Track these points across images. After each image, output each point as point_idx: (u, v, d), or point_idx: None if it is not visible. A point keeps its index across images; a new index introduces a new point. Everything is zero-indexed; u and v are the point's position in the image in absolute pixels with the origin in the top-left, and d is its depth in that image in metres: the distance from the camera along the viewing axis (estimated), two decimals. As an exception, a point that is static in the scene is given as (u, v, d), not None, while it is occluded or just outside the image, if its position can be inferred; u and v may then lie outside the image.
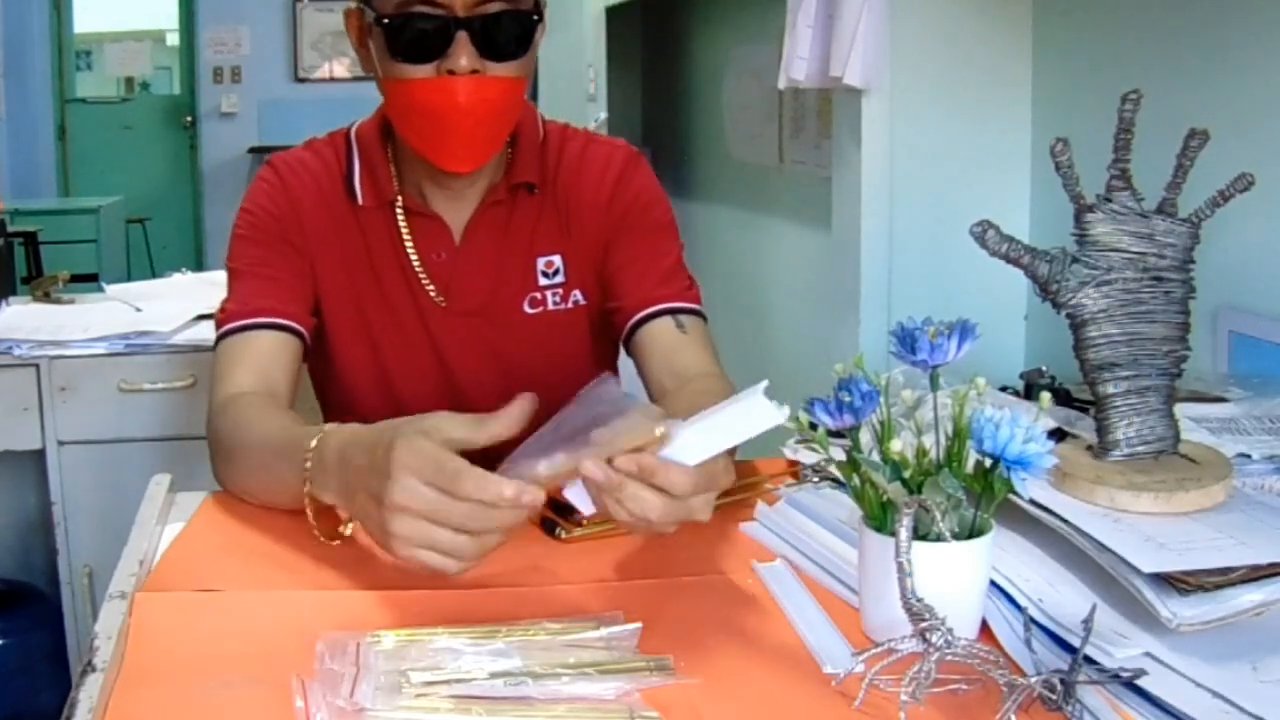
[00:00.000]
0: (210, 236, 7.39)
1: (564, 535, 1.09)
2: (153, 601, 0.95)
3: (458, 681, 0.78)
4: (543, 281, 1.41)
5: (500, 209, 1.39)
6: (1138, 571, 0.81)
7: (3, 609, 2.24)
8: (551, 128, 1.44)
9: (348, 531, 1.07)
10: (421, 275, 1.38)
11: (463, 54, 1.21)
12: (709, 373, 1.33)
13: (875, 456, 0.86)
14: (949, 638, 0.77)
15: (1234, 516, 0.91)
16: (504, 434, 0.89)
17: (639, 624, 0.86)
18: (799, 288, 2.79)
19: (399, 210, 1.38)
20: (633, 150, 1.45)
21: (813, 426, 0.87)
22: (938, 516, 0.81)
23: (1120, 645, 0.80)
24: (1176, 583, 0.80)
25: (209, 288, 2.40)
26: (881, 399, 0.87)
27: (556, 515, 1.10)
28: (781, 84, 2.03)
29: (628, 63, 3.90)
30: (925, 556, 0.79)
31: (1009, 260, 0.99)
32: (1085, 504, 0.93)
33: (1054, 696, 0.76)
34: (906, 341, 0.87)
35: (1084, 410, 1.12)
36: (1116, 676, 0.77)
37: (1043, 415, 0.83)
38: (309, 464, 1.02)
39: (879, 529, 0.85)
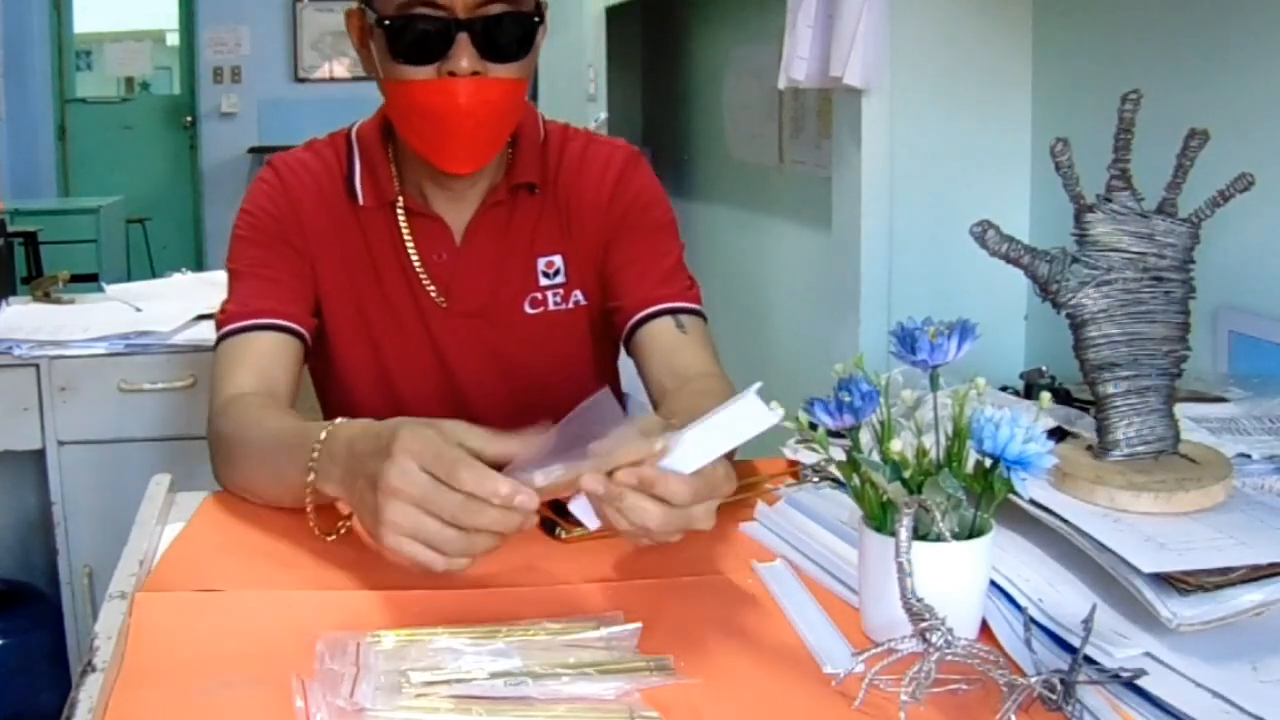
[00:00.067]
0: (210, 236, 7.40)
1: (564, 535, 1.09)
2: (153, 601, 0.95)
3: (458, 681, 0.78)
4: (543, 282, 1.41)
5: (501, 209, 1.39)
6: (1138, 571, 0.81)
7: (3, 609, 2.24)
8: (552, 128, 1.44)
9: (344, 529, 1.07)
10: (422, 276, 1.38)
11: (463, 55, 1.22)
12: (709, 373, 1.33)
13: (875, 456, 0.86)
14: (949, 638, 0.77)
15: (1234, 516, 0.91)
16: (516, 455, 0.89)
17: (639, 624, 0.86)
18: (799, 288, 2.79)
19: (400, 211, 1.38)
20: (633, 150, 1.45)
21: (813, 426, 0.87)
22: (938, 516, 0.81)
23: (1120, 645, 0.80)
24: (1176, 583, 0.80)
25: (209, 288, 2.40)
26: (881, 399, 0.87)
27: (556, 515, 1.10)
28: (781, 84, 2.03)
29: (628, 63, 3.90)
30: (925, 556, 0.79)
31: (1009, 260, 0.99)
32: (1085, 504, 0.93)
33: (1054, 696, 0.76)
34: (906, 341, 0.87)
35: (1084, 410, 1.12)
36: (1116, 676, 0.77)
37: (1043, 415, 0.83)
38: (316, 454, 1.02)
39: (879, 529, 0.85)
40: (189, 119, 7.67)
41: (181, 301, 2.34)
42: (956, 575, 0.83)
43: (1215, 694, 0.75)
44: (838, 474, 0.89)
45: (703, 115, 3.47)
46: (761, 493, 1.17)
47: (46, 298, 2.47)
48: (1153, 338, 0.99)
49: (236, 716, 0.78)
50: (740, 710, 0.79)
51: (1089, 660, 0.78)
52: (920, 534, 0.81)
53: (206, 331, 2.06)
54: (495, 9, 1.22)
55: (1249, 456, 1.04)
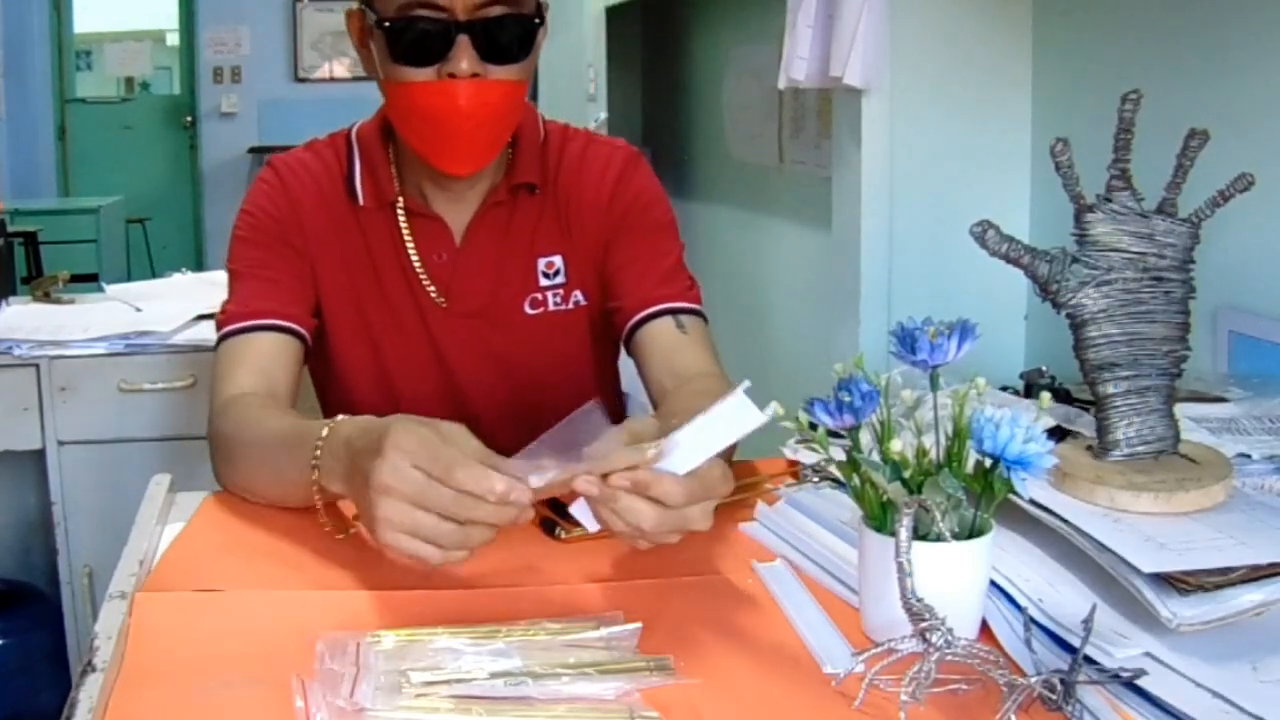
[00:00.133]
0: (210, 236, 7.40)
1: (564, 535, 1.09)
2: (153, 601, 0.95)
3: (458, 681, 0.78)
4: (543, 282, 1.41)
5: (501, 210, 1.39)
6: (1138, 571, 0.81)
7: (3, 609, 2.24)
8: (552, 128, 1.44)
9: (355, 531, 1.07)
10: (422, 276, 1.38)
11: (463, 57, 1.21)
12: (709, 373, 1.33)
13: (875, 456, 0.86)
14: (949, 638, 0.77)
15: (1234, 516, 0.91)
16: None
17: (639, 624, 0.86)
18: (799, 288, 2.79)
19: (400, 211, 1.38)
20: (633, 150, 1.45)
21: (813, 426, 0.87)
22: (938, 516, 0.81)
23: (1120, 645, 0.80)
24: (1176, 583, 0.80)
25: (209, 288, 2.40)
26: (881, 399, 0.87)
27: (556, 515, 1.10)
28: (781, 84, 2.03)
29: (628, 63, 3.90)
30: (925, 556, 0.79)
31: (1009, 260, 0.99)
32: (1085, 504, 0.93)
33: (1054, 696, 0.76)
34: (906, 341, 0.87)
35: (1084, 409, 1.12)
36: (1116, 676, 0.77)
37: (1043, 415, 0.83)
38: (319, 453, 1.02)
39: (879, 529, 0.85)
40: (189, 119, 7.67)
41: (181, 301, 2.34)
42: (956, 575, 0.83)
43: (1215, 694, 0.75)
44: (838, 474, 0.89)
45: (703, 115, 3.47)
46: (761, 493, 1.17)
47: (46, 298, 2.47)
48: (1153, 338, 0.99)
49: (236, 716, 0.78)
50: (740, 710, 0.79)
51: (1089, 660, 0.78)
52: (920, 534, 0.81)
53: (206, 331, 2.06)
54: (495, 11, 1.22)
55: (1249, 456, 1.04)
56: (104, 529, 2.03)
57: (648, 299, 1.37)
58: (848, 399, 0.86)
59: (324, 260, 1.37)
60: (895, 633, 0.79)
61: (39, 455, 2.15)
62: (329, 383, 1.44)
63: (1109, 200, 0.99)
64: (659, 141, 3.77)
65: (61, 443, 2.14)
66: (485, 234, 1.39)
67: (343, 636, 0.84)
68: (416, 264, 1.38)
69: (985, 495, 0.84)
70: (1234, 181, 0.98)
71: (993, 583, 0.88)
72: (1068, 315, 1.00)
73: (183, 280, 2.66)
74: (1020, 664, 0.82)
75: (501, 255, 1.39)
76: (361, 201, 1.37)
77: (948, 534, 0.81)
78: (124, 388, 2.14)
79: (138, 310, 2.33)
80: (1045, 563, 0.91)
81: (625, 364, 1.46)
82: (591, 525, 0.89)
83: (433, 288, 1.39)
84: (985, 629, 0.87)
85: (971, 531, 0.84)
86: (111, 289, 2.54)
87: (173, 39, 7.89)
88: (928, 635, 0.77)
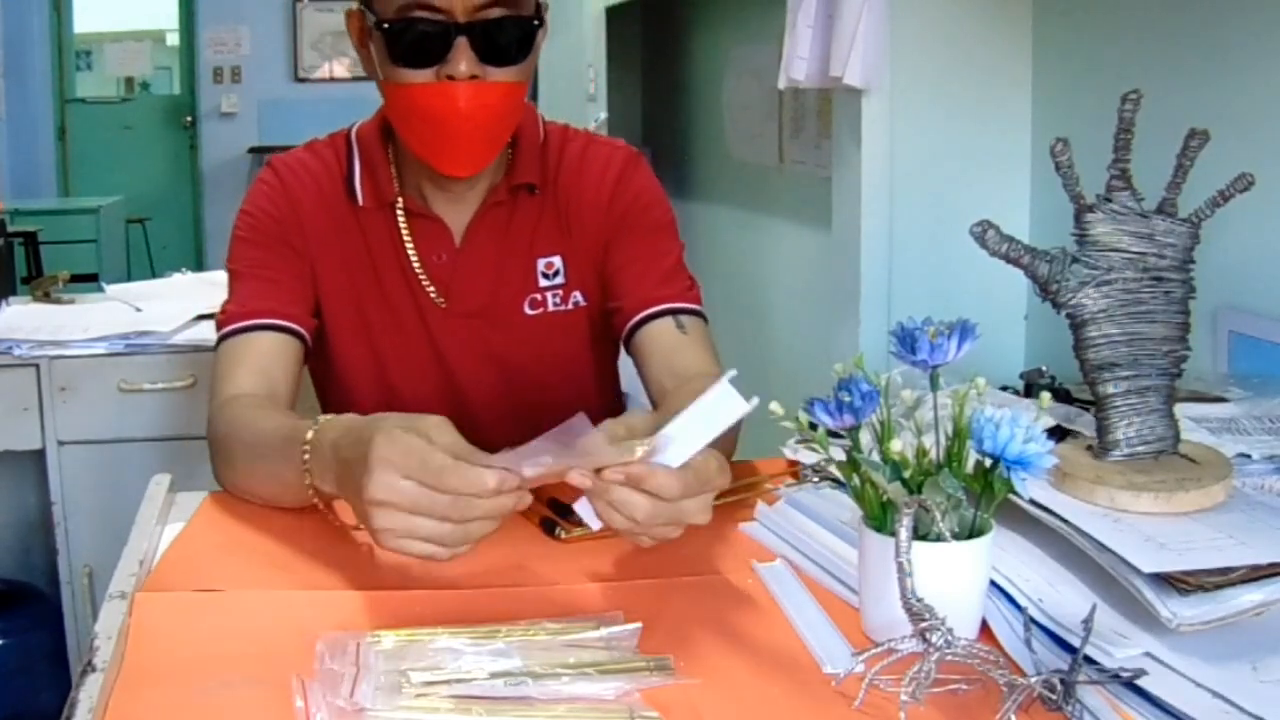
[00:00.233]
0: (210, 236, 7.40)
1: (564, 535, 1.09)
2: (153, 601, 0.95)
3: (458, 681, 0.78)
4: (543, 283, 1.41)
5: (501, 210, 1.39)
6: (1138, 571, 0.81)
7: (3, 609, 2.24)
8: (552, 128, 1.44)
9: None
10: (422, 276, 1.38)
11: (462, 59, 1.21)
12: (709, 373, 1.33)
13: (875, 456, 0.86)
14: (949, 638, 0.77)
15: (1234, 516, 0.91)
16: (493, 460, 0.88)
17: (639, 624, 0.86)
18: (799, 288, 2.79)
19: (399, 211, 1.38)
20: (633, 151, 1.45)
21: (813, 426, 0.87)
22: (938, 516, 0.81)
23: (1120, 645, 0.80)
24: (1176, 583, 0.80)
25: (209, 288, 2.40)
26: (881, 399, 0.87)
27: (556, 515, 1.10)
28: (781, 84, 2.03)
29: (628, 63, 3.89)
30: (925, 556, 0.79)
31: (1009, 260, 0.99)
32: (1085, 504, 0.93)
33: (1054, 696, 0.76)
34: (906, 341, 0.87)
35: (1084, 409, 1.12)
36: (1116, 676, 0.77)
37: (1043, 415, 0.83)
38: (307, 455, 1.02)
39: (879, 529, 0.85)
40: (189, 119, 7.67)
41: (181, 301, 2.34)
42: (956, 575, 0.83)
43: (1215, 694, 0.75)
44: (838, 474, 0.89)
45: (703, 115, 3.47)
46: (761, 493, 1.17)
47: (46, 298, 2.47)
48: (1153, 338, 0.99)
49: (236, 716, 0.78)
50: (740, 710, 0.79)
51: (1089, 660, 0.78)
52: (920, 534, 0.81)
53: (206, 331, 2.06)
54: (494, 12, 1.22)
55: (1249, 456, 1.04)
56: (104, 529, 2.03)
57: (648, 299, 1.37)
58: (848, 399, 0.86)
59: (324, 260, 1.37)
60: (895, 633, 0.79)
61: (39, 455, 2.15)
62: (329, 383, 1.44)
63: (1109, 200, 0.99)
64: (659, 141, 3.77)
65: (61, 443, 2.14)
66: (485, 234, 1.39)
67: (343, 636, 0.84)
68: (416, 264, 1.38)
69: (985, 495, 0.84)
70: (1234, 181, 0.98)
71: (993, 583, 0.88)
72: (1068, 315, 1.00)
73: (183, 280, 2.66)
74: (1020, 664, 0.82)
75: (501, 256, 1.39)
76: (361, 202, 1.37)
77: (948, 534, 0.81)
78: (124, 388, 2.14)
79: (138, 310, 2.33)
80: (1045, 563, 0.91)
81: (625, 364, 1.46)
82: (595, 523, 0.89)
83: (432, 288, 1.39)
84: (985, 629, 0.87)
85: (971, 531, 0.84)
86: (111, 289, 2.54)
87: (173, 39, 7.89)
88: (928, 635, 0.77)
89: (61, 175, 7.47)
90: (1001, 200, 1.91)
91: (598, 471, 0.85)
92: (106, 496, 2.10)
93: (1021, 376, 1.30)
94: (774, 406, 0.87)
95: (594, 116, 3.53)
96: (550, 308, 1.41)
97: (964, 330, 0.87)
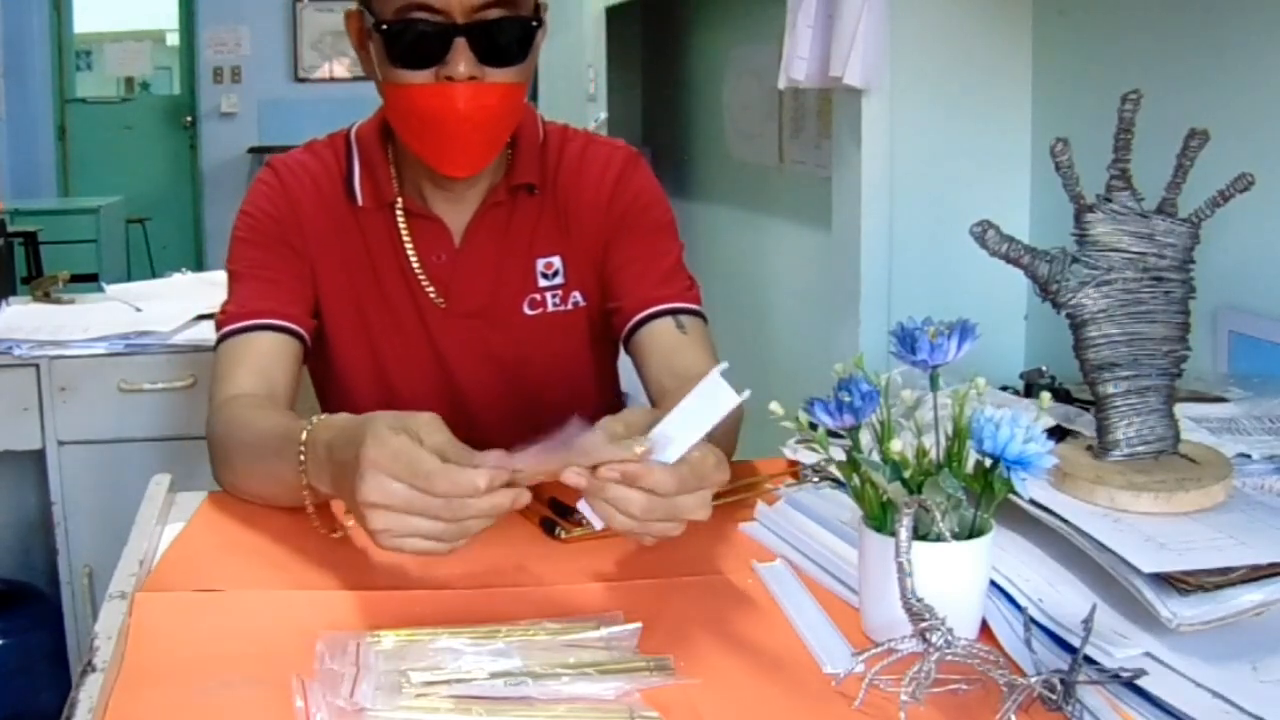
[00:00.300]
0: (210, 236, 7.40)
1: (564, 535, 1.09)
2: (153, 601, 0.95)
3: (458, 681, 0.78)
4: (542, 283, 1.41)
5: (500, 210, 1.39)
6: (1138, 571, 0.81)
7: (3, 609, 2.24)
8: (551, 129, 1.44)
9: (349, 524, 1.07)
10: (421, 277, 1.38)
11: (461, 60, 1.21)
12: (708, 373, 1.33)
13: (875, 456, 0.86)
14: (949, 638, 0.77)
15: (1234, 516, 0.91)
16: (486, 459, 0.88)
17: (639, 624, 0.86)
18: (799, 288, 2.79)
19: (399, 212, 1.38)
20: (632, 151, 1.45)
21: (813, 426, 0.87)
22: (938, 516, 0.81)
23: (1120, 645, 0.80)
24: (1176, 583, 0.80)
25: (209, 288, 2.40)
26: (881, 399, 0.87)
27: (556, 515, 1.10)
28: (781, 84, 2.03)
29: (628, 63, 3.89)
30: (925, 556, 0.79)
31: (1009, 260, 0.99)
32: (1085, 504, 0.93)
33: (1054, 696, 0.76)
34: (906, 341, 0.87)
35: (1084, 409, 1.12)
36: (1116, 676, 0.77)
37: (1043, 415, 0.83)
38: (302, 456, 1.02)
39: (879, 529, 0.85)
40: (189, 119, 7.67)
41: (181, 301, 2.34)
42: (956, 575, 0.83)
43: (1215, 694, 0.75)
44: (838, 474, 0.89)
45: (703, 115, 3.47)
46: (761, 493, 1.17)
47: (46, 298, 2.47)
48: (1153, 338, 0.99)
49: (236, 716, 0.78)
50: (740, 710, 0.79)
51: (1089, 660, 0.78)
52: (920, 534, 0.81)
53: (206, 331, 2.06)
54: (493, 13, 1.22)
55: (1249, 456, 1.04)
56: (104, 529, 2.03)
57: (647, 299, 1.37)
58: (848, 399, 0.86)
59: (323, 261, 1.37)
60: (895, 633, 0.79)
61: (39, 455, 2.15)
62: (329, 383, 1.44)
63: (1109, 200, 0.99)
64: (659, 141, 3.77)
65: (61, 443, 2.14)
66: (484, 235, 1.38)
67: (343, 636, 0.84)
68: (415, 265, 1.38)
69: (985, 495, 0.84)
70: (1234, 181, 0.98)
71: (993, 583, 0.88)
72: (1068, 315, 1.00)
73: (183, 280, 2.66)
74: (1020, 664, 0.82)
75: (500, 256, 1.39)
76: (360, 202, 1.37)
77: (948, 534, 0.81)
78: (124, 388, 2.14)
79: (138, 310, 2.33)
80: (1045, 563, 0.91)
81: (625, 364, 1.46)
82: (598, 522, 0.89)
83: (432, 288, 1.38)
84: (985, 629, 0.87)
85: (971, 531, 0.84)
86: (111, 289, 2.54)
87: (173, 39, 7.89)
88: (928, 635, 0.77)
89: (61, 175, 7.47)
90: (1001, 200, 1.91)
91: (594, 470, 0.85)
92: (106, 496, 2.10)
93: (1021, 376, 1.30)
94: (774, 406, 0.87)
95: (594, 116, 3.53)
96: (550, 308, 1.41)
97: (964, 330, 0.87)
